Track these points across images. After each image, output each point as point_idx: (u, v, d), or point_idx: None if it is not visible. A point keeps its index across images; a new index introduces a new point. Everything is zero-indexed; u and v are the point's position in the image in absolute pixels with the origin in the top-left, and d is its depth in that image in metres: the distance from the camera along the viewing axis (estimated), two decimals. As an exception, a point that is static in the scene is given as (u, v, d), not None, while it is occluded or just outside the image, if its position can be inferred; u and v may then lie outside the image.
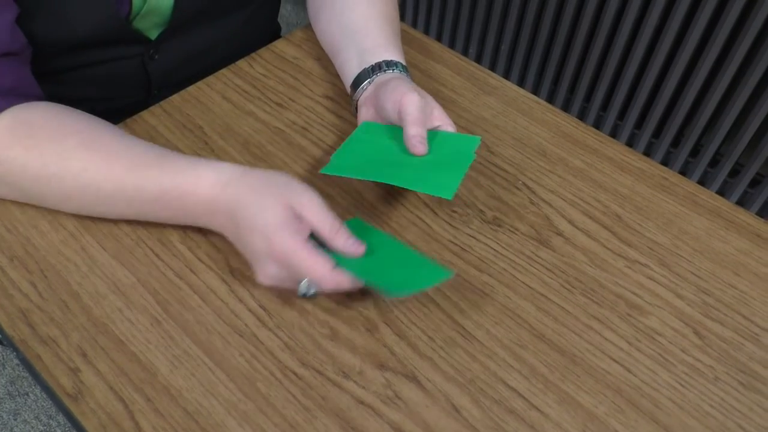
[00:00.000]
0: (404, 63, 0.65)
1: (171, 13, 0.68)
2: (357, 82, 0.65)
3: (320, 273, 0.49)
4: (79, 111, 0.58)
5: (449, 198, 0.53)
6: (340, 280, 0.49)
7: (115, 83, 0.73)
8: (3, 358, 1.34)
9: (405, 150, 0.58)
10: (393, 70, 0.63)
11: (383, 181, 0.56)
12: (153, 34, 0.70)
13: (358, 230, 0.53)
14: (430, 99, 0.61)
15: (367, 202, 0.62)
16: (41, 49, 0.62)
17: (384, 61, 0.64)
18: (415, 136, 0.57)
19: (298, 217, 0.50)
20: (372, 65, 0.64)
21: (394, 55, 0.65)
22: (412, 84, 0.61)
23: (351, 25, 0.68)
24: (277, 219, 0.49)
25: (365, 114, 0.64)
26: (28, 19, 0.59)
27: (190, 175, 0.53)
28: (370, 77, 0.63)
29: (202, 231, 0.58)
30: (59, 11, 0.60)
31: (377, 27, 0.67)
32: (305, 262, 0.48)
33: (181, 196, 0.53)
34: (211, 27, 0.76)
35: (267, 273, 0.51)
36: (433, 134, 0.59)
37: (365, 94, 0.64)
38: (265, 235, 0.49)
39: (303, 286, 0.50)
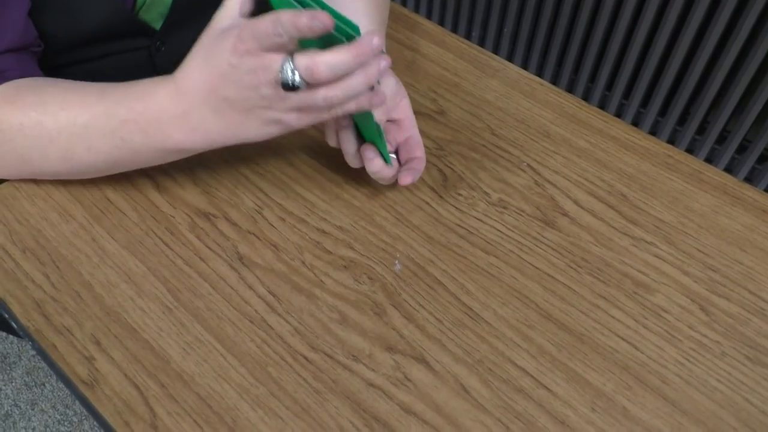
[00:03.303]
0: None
1: (171, 2, 0.68)
2: None
3: (286, 16, 0.43)
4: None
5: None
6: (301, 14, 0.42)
7: (123, 76, 0.73)
8: (19, 350, 1.36)
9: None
10: None
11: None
12: (158, 25, 0.71)
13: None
14: (401, 87, 0.61)
15: (372, 187, 0.62)
16: (49, 44, 0.63)
17: None
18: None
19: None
20: None
21: None
22: (400, 84, 0.61)
23: (341, 6, 0.68)
24: (216, 29, 0.51)
25: None
26: (35, 13, 0.59)
27: (149, 85, 0.54)
28: None
29: (210, 219, 0.59)
30: (66, 5, 0.61)
31: (367, 14, 0.67)
32: (262, 22, 0.44)
33: (144, 106, 0.53)
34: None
35: (245, 82, 0.47)
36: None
37: None
38: (213, 43, 0.49)
39: (284, 70, 0.45)
